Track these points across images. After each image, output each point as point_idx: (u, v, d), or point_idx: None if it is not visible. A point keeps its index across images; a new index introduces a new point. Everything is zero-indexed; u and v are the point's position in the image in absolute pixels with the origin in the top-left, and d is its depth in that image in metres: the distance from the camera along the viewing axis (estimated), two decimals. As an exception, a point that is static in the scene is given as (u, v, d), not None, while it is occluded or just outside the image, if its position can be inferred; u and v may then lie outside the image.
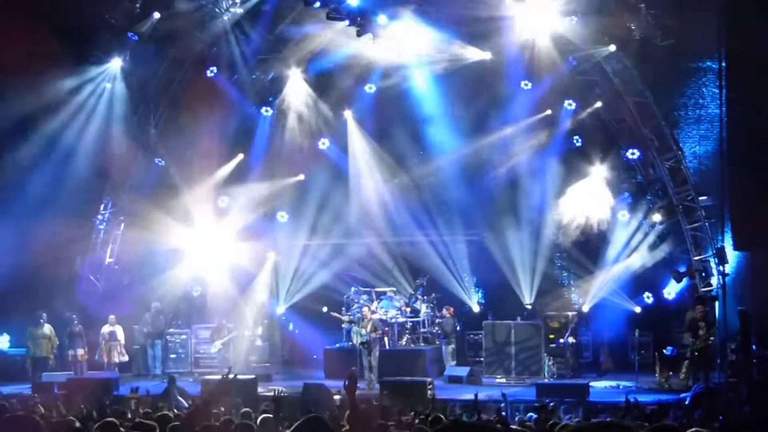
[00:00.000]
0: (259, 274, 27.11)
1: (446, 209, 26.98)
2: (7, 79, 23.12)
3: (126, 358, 25.35)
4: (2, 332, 26.07)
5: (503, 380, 23.80)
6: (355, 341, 24.01)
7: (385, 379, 21.73)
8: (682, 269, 24.10)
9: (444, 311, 25.59)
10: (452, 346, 25.45)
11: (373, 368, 23.30)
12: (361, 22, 23.38)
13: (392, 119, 26.85)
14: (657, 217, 24.57)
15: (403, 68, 25.98)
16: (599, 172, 25.14)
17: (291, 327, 28.18)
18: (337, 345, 25.89)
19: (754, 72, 21.63)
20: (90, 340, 25.09)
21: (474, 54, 24.63)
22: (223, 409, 13.10)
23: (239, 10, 25.56)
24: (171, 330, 26.50)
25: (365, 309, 24.35)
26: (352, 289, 26.64)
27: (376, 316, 24.32)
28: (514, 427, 12.16)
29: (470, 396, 17.54)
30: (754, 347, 21.73)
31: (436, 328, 25.64)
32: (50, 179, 25.05)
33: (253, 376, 21.78)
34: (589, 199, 25.24)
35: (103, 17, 25.18)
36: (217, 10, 25.50)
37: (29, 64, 22.54)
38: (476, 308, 26.89)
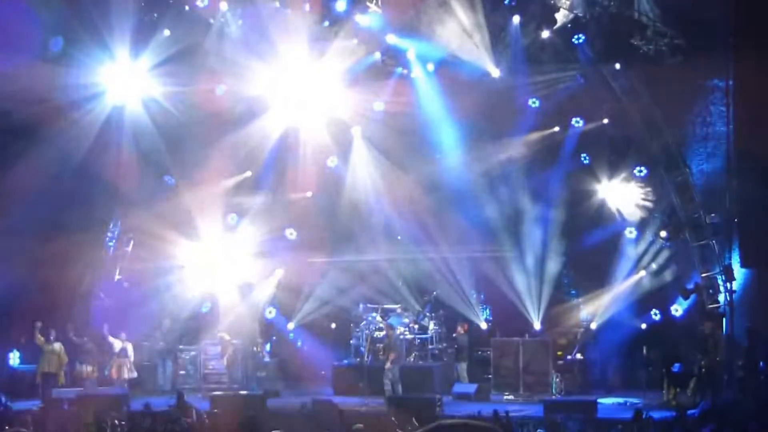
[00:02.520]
0: (267, 290, 27.22)
1: (453, 226, 26.93)
2: (17, 94, 23.28)
3: (135, 374, 25.40)
4: (13, 349, 26.16)
5: (511, 397, 23.81)
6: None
7: (393, 396, 21.76)
8: (690, 286, 24.10)
9: (459, 328, 25.63)
10: (464, 363, 25.46)
11: (394, 383, 23.39)
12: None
13: (400, 137, 26.86)
14: (664, 234, 24.59)
15: (412, 84, 26.12)
16: (606, 189, 25.22)
17: (299, 343, 28.22)
18: (345, 361, 25.96)
19: (762, 90, 21.70)
20: (99, 357, 25.19)
21: (488, 67, 24.66)
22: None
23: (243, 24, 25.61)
24: (181, 347, 26.63)
25: (385, 324, 24.89)
26: (360, 306, 26.70)
27: (394, 332, 24.57)
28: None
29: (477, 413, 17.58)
30: (761, 364, 21.75)
31: (447, 343, 25.69)
32: (61, 197, 25.11)
33: (261, 392, 21.85)
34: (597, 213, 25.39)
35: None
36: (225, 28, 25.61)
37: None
38: (484, 326, 26.85)
